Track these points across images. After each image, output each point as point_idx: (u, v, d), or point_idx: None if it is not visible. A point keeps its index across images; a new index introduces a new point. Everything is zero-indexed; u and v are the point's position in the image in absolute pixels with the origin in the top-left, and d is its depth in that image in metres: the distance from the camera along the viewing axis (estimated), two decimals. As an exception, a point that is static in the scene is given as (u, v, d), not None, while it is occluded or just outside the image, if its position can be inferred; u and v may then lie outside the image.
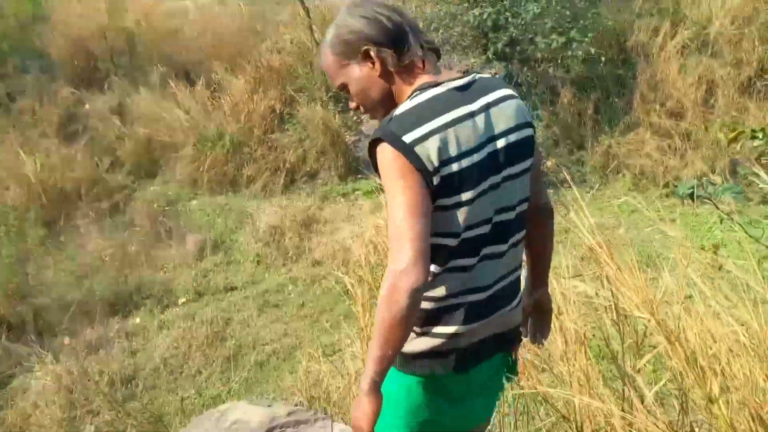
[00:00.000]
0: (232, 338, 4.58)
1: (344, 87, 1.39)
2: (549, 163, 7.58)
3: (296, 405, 2.33)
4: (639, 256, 5.49)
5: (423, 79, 1.33)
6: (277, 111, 7.60)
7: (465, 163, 1.25)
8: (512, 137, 1.34)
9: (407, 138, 1.22)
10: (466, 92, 1.32)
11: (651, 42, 7.75)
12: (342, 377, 3.91)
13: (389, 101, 1.37)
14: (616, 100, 7.66)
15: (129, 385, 4.09)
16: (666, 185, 6.78)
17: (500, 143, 1.31)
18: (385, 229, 6.24)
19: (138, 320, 4.93)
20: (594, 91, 7.60)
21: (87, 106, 7.86)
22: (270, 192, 7.10)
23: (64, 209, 6.52)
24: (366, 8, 1.37)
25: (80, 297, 5.05)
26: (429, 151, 1.21)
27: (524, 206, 1.40)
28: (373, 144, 1.28)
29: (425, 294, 1.24)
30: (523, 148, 1.37)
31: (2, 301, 4.89)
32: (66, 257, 5.71)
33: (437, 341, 1.33)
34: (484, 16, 7.20)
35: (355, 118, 7.98)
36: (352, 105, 1.44)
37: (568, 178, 7.34)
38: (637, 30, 7.85)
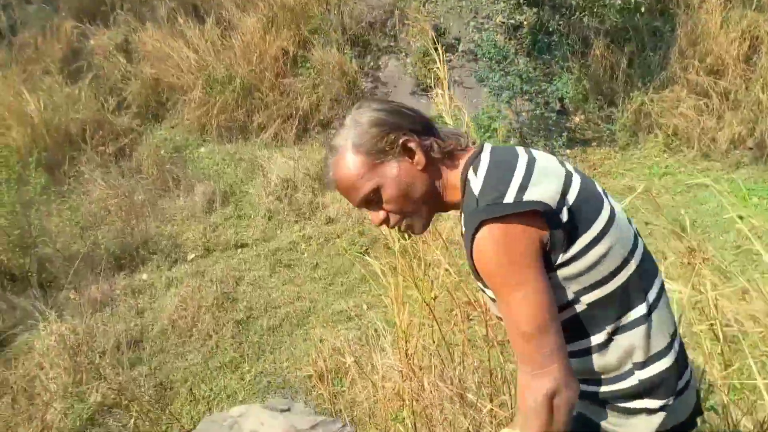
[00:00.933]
0: (243, 300, 4.39)
1: (375, 194, 1.14)
2: (577, 119, 7.19)
3: (316, 410, 2.12)
4: (673, 223, 5.23)
5: (466, 156, 1.16)
6: (290, 53, 7.18)
7: (577, 190, 1.10)
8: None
9: (509, 197, 1.03)
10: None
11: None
12: (362, 345, 3.74)
13: (436, 198, 1.16)
14: (652, 54, 7.17)
15: (136, 348, 3.93)
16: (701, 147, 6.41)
17: (576, 175, 1.15)
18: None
19: (145, 276, 4.74)
20: (629, 43, 7.10)
21: (92, 41, 7.45)
22: (281, 141, 6.78)
23: (68, 153, 6.25)
24: (378, 102, 1.19)
25: (85, 249, 4.85)
26: (541, 189, 1.05)
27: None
28: (472, 238, 1.05)
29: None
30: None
31: (5, 251, 4.70)
32: (70, 207, 5.49)
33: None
34: (516, -43, 6.65)
35: (372, 63, 7.56)
36: (380, 219, 1.18)
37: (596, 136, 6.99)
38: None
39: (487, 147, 1.16)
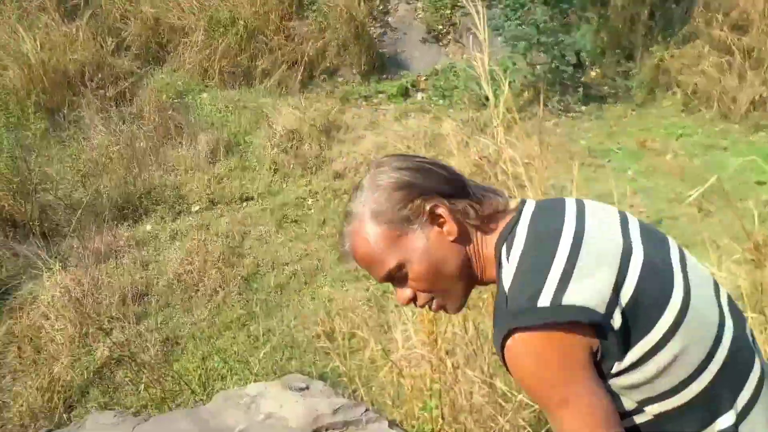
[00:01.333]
0: (249, 255, 4.31)
1: (399, 270, 0.95)
2: (593, 74, 6.96)
3: (340, 393, 2.07)
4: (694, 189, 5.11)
5: (505, 221, 0.96)
6: (296, -6, 6.86)
7: (637, 276, 0.85)
8: (638, 221, 0.99)
9: (545, 299, 0.82)
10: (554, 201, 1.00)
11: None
12: (369, 306, 3.70)
13: (471, 273, 0.97)
14: (675, 5, 6.87)
15: (141, 302, 3.88)
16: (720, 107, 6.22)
17: (638, 247, 0.89)
18: (412, 141, 5.81)
19: (149, 228, 4.65)
20: (654, -9, 6.80)
21: (88, -24, 7.10)
22: (286, 89, 6.57)
23: (67, 96, 6.05)
24: (401, 160, 0.98)
25: (87, 198, 4.74)
26: (587, 287, 0.82)
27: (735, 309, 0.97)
28: (503, 343, 0.86)
29: None
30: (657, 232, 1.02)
31: (6, 197, 4.59)
32: (71, 153, 5.34)
33: None
34: None
35: (381, 7, 7.24)
36: (407, 297, 0.99)
37: (612, 92, 6.78)
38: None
39: (528, 210, 0.96)
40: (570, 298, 0.81)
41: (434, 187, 0.95)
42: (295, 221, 4.71)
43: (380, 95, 6.56)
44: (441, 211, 0.94)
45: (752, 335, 0.97)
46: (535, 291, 0.82)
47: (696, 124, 6.20)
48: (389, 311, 3.72)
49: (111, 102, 6.17)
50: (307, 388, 1.86)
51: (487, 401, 1.95)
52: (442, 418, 1.95)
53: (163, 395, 2.96)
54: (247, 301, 3.92)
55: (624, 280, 0.84)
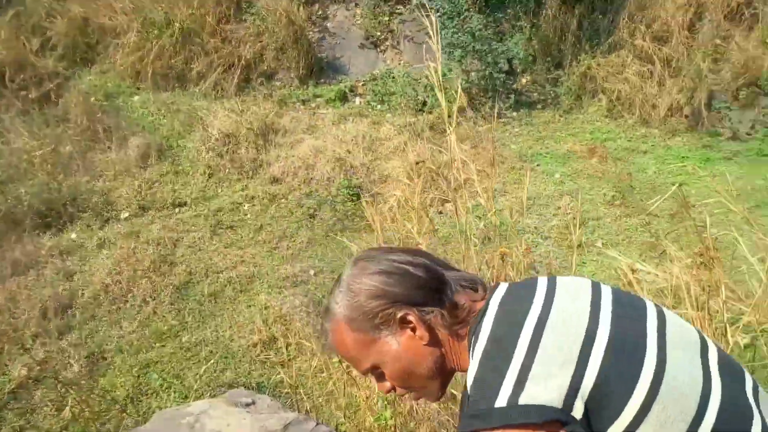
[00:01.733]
0: (182, 263, 4.20)
1: (375, 369, 1.01)
2: (524, 81, 7.17)
3: (286, 404, 2.03)
4: (615, 191, 5.35)
5: (474, 311, 0.98)
6: (234, -2, 6.76)
7: (601, 357, 0.84)
8: (612, 290, 0.97)
9: (503, 398, 0.82)
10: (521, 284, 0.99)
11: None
12: (307, 314, 3.67)
13: (443, 368, 1.00)
14: (601, 16, 7.17)
15: (64, 315, 3.71)
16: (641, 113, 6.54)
17: (604, 324, 0.89)
18: (351, 145, 5.82)
19: (74, 236, 4.46)
20: (579, 4, 7.07)
21: (8, -28, 6.75)
22: (222, 92, 6.45)
23: (-16, 97, 5.73)
24: (380, 261, 1.00)
25: (6, 206, 4.50)
26: (543, 386, 0.82)
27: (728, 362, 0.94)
28: None
29: None
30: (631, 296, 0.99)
31: None
32: (-12, 158, 5.06)
33: None
34: None
35: (320, 12, 7.22)
36: (386, 388, 1.03)
37: (541, 98, 7.00)
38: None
39: (496, 298, 0.95)
40: (526, 397, 0.81)
41: (408, 294, 0.97)
42: (231, 227, 4.63)
43: (318, 99, 6.54)
44: (412, 318, 0.96)
45: (755, 389, 0.92)
46: (493, 392, 0.83)
47: (619, 129, 6.49)
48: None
49: (34, 104, 5.89)
50: (254, 403, 1.82)
51: (442, 408, 1.97)
52: (395, 429, 1.95)
53: (89, 415, 2.83)
54: (179, 311, 3.82)
55: (584, 371, 0.83)
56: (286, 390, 2.68)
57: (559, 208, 5.04)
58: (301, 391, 2.47)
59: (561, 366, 0.83)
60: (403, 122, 6.08)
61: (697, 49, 6.70)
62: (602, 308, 0.91)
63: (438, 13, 6.59)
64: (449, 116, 6.95)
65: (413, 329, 0.97)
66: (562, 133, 6.50)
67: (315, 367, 2.50)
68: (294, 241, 4.50)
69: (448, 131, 1.96)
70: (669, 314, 0.96)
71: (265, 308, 3.83)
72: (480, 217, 5.09)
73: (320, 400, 2.50)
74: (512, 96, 6.80)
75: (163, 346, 3.50)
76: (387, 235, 2.80)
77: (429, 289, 0.98)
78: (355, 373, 2.13)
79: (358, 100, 6.68)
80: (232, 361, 3.41)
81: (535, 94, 7.10)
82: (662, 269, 1.95)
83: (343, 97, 6.62)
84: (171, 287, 3.95)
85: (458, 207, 2.86)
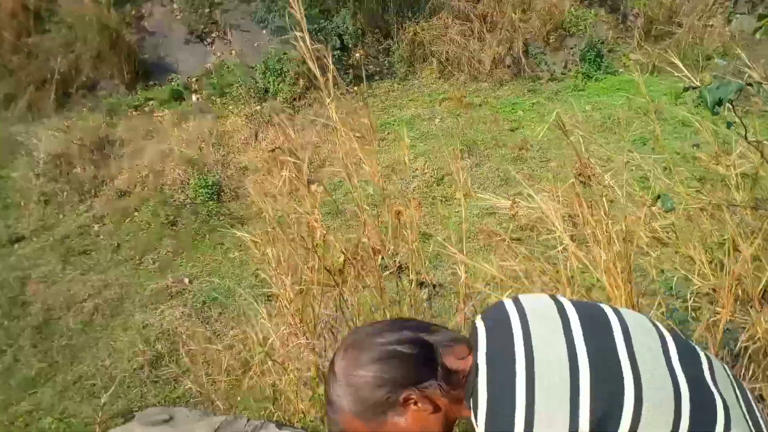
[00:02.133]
0: (36, 302, 3.81)
1: None
2: (357, 55, 7.32)
3: (210, 412, 1.94)
4: (462, 145, 5.70)
5: (465, 369, 1.03)
6: (31, 8, 6.11)
7: (587, 391, 0.93)
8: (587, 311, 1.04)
9: None
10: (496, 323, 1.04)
11: None
12: (192, 323, 3.53)
13: (450, 424, 1.05)
14: (416, -17, 7.51)
15: None
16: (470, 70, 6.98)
17: (584, 363, 0.96)
18: (199, 144, 5.57)
19: None
20: (394, -27, 7.34)
21: None
22: (40, 112, 5.85)
23: None
24: (369, 348, 1.02)
25: None
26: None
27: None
28: None
29: None
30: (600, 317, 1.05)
31: None
32: None
33: None
34: None
35: (134, 12, 6.77)
36: None
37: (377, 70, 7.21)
38: None
39: (481, 356, 1.01)
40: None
41: (405, 376, 1.00)
42: (84, 252, 4.26)
43: (152, 102, 6.17)
44: (414, 396, 1.00)
45: (710, 369, 1.01)
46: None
47: (453, 88, 6.88)
48: (213, 321, 3.61)
49: None
50: (171, 418, 1.72)
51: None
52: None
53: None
54: (45, 352, 3.47)
55: (578, 411, 0.91)
56: (196, 399, 2.57)
57: (417, 169, 5.28)
58: (214, 396, 2.39)
59: (558, 413, 0.91)
60: (248, 112, 5.95)
61: (506, 2, 7.26)
62: (573, 330, 0.99)
63: (261, -2, 6.49)
64: (295, 99, 6.87)
65: (416, 404, 1.01)
66: (403, 99, 6.77)
67: (225, 369, 2.43)
68: (159, 253, 4.27)
69: (327, 102, 1.96)
70: (629, 318, 1.03)
71: (144, 327, 3.62)
72: (349, 192, 5.18)
73: (238, 399, 2.43)
74: (350, 71, 6.91)
75: (34, 392, 3.18)
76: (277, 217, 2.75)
77: (422, 363, 1.02)
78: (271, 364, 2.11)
79: (195, 97, 6.40)
80: (120, 389, 3.19)
81: (371, 67, 7.28)
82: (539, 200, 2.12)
83: (178, 97, 6.31)
84: (29, 329, 3.58)
85: (325, 186, 2.89)
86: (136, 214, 4.61)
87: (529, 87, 6.81)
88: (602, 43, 7.10)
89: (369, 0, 7.24)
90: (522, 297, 1.08)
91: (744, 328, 1.71)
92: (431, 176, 5.21)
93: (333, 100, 1.99)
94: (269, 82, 6.32)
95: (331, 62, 2.01)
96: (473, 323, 1.09)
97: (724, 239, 2.02)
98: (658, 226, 2.26)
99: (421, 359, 1.02)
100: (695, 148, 4.92)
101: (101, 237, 4.43)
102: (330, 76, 1.95)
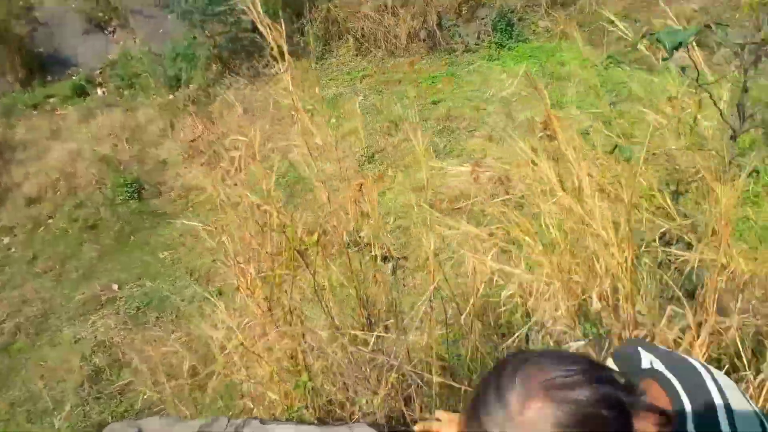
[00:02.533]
0: (-54, 330, 3.45)
1: None
2: (271, 36, 7.07)
3: (179, 417, 1.79)
4: (387, 120, 5.66)
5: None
6: None
7: None
8: None
9: None
10: None
11: None
12: (128, 330, 3.33)
13: None
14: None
15: None
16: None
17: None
18: (111, 140, 5.18)
19: None
20: (300, -50, 7.12)
21: None
22: None
23: None
24: (562, 405, 0.79)
25: None
26: None
27: None
28: None
29: None
30: None
31: None
32: None
33: None
34: None
35: (22, 2, 6.18)
36: None
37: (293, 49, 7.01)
38: None
39: (683, 397, 0.92)
40: None
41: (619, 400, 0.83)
42: (-4, 268, 3.90)
43: (52, 99, 5.69)
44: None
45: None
46: None
47: (371, 65, 6.81)
48: (152, 326, 3.41)
49: None
50: (140, 430, 1.57)
51: (352, 356, 1.88)
52: (312, 389, 1.85)
53: None
54: (-35, 384, 3.15)
55: None
56: (157, 407, 2.41)
57: (349, 148, 5.19)
58: (176, 401, 2.23)
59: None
60: (161, 102, 5.62)
61: (416, -23, 7.23)
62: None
63: (163, -20, 6.11)
64: (209, 85, 6.55)
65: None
66: (324, 79, 6.62)
67: (186, 371, 2.27)
68: (80, 260, 3.97)
69: (281, 70, 1.84)
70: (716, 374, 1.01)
71: (76, 342, 3.36)
72: (282, 177, 5.02)
73: (207, 401, 2.30)
74: (265, 53, 6.67)
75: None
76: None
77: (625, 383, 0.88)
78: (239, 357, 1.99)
79: (100, 90, 5.96)
80: (60, 413, 2.95)
81: (286, 47, 7.06)
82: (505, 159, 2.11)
83: (81, 92, 5.85)
84: (-57, 362, 3.23)
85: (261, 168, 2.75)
86: (50, 221, 4.26)
87: (446, 60, 6.85)
88: (512, 12, 7.23)
89: (278, -22, 7.01)
90: (690, 358, 1.00)
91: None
92: (362, 155, 5.15)
93: (288, 71, 1.88)
94: (180, 69, 5.98)
95: (283, 29, 1.88)
96: (657, 372, 0.98)
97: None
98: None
99: (617, 427, 0.86)
100: (612, 106, 5.14)
101: (13, 250, 4.06)
102: (283, 44, 1.83)
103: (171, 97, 5.84)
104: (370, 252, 2.03)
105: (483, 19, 7.29)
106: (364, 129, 5.59)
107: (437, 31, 7.06)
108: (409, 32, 7.04)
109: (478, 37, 7.20)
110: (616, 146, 1.83)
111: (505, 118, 5.61)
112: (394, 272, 2.10)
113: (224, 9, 6.21)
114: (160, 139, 5.23)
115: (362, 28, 6.92)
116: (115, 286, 3.71)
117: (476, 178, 2.18)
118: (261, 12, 6.75)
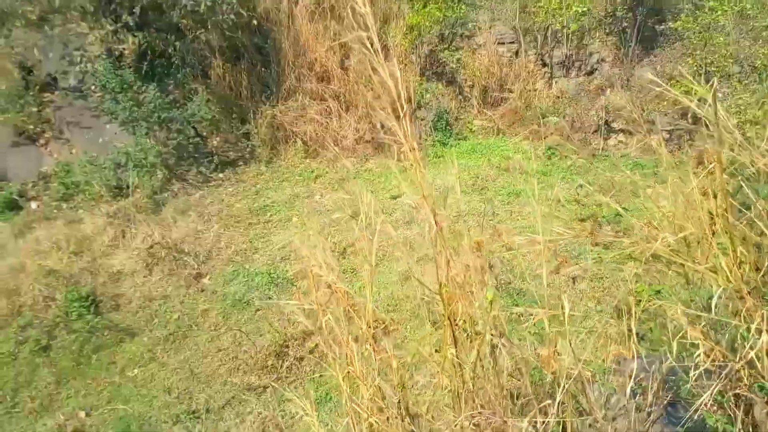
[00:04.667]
0: None
1: None
2: (216, 142, 6.96)
3: None
4: (350, 216, 5.56)
5: None
6: None
7: None
8: None
9: None
10: None
11: (278, 8, 7.78)
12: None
13: None
14: (265, 69, 7.48)
15: None
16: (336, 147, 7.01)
17: None
18: (57, 254, 4.69)
19: None
20: (243, 61, 7.24)
21: None
22: None
23: None
24: None
25: None
26: None
27: None
28: None
29: None
30: None
31: None
32: None
33: None
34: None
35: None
36: None
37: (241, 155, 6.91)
38: (261, -4, 7.77)
39: None
40: None
41: None
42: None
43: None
44: None
45: None
46: None
47: (321, 167, 6.82)
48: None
49: None
50: None
51: None
52: None
53: None
54: None
55: None
56: None
57: (316, 247, 5.00)
58: None
59: None
60: (108, 211, 5.24)
61: (353, 81, 7.52)
62: None
63: (105, 90, 5.92)
64: (155, 192, 6.23)
65: None
66: (275, 182, 6.53)
67: None
68: (36, 388, 3.41)
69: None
70: None
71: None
72: (246, 279, 4.71)
73: None
74: (213, 158, 6.54)
75: None
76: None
77: None
78: None
79: (35, 204, 5.49)
80: None
81: (231, 153, 6.98)
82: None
83: (13, 206, 5.36)
84: None
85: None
86: (3, 345, 3.69)
87: (392, 158, 7.00)
88: (448, 112, 7.62)
89: (220, 88, 7.02)
90: None
91: None
92: (333, 250, 4.98)
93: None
94: (125, 178, 5.66)
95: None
96: None
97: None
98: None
99: None
100: (579, 188, 5.37)
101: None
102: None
103: (117, 205, 5.48)
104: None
105: (423, 119, 7.63)
106: (329, 226, 5.47)
107: (382, 132, 7.27)
108: (356, 134, 7.20)
109: (420, 137, 7.48)
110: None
111: (464, 208, 5.72)
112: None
113: (168, 116, 6.08)
114: (111, 249, 4.83)
115: (309, 131, 6.99)
116: (82, 414, 3.19)
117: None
118: (206, 119, 6.69)
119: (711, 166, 1.58)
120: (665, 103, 6.23)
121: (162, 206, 5.67)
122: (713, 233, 1.82)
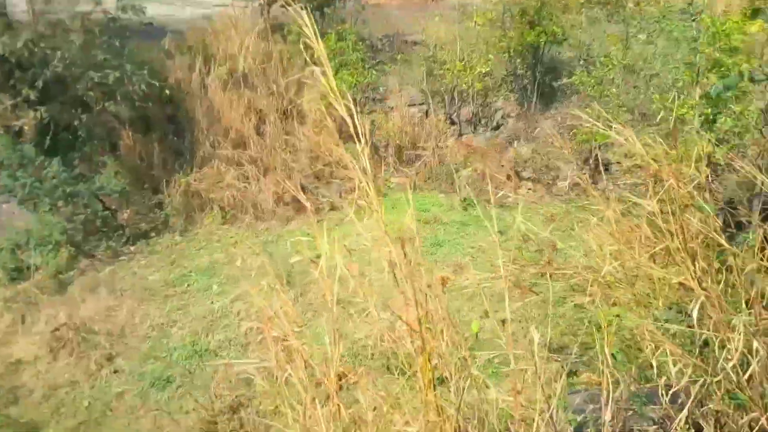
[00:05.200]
0: None
1: None
2: (126, 215, 6.67)
3: None
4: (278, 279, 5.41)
5: None
6: None
7: None
8: None
9: None
10: None
11: (190, 78, 7.76)
12: None
13: None
14: (176, 138, 7.36)
15: None
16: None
17: None
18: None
19: None
20: (154, 131, 7.09)
21: None
22: None
23: None
24: None
25: None
26: None
27: None
28: None
29: None
30: None
31: None
32: None
33: None
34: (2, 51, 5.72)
35: None
36: None
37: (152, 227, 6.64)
38: (173, 68, 7.72)
39: None
40: None
41: None
42: None
43: None
44: None
45: None
46: None
47: (241, 231, 6.66)
48: None
49: None
50: None
51: None
52: None
53: None
54: None
55: None
56: None
57: (239, 313, 4.84)
58: None
59: None
60: (5, 296, 4.84)
61: (269, 146, 7.53)
62: None
63: (2, 167, 5.59)
64: (60, 272, 5.90)
65: None
66: (191, 250, 6.30)
67: None
68: None
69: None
70: None
71: None
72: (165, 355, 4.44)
73: None
74: (123, 231, 6.25)
75: None
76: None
77: None
78: None
79: None
80: None
81: (144, 224, 6.70)
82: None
83: None
84: None
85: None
86: None
87: (314, 218, 6.96)
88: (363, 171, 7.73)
89: (129, 159, 6.81)
90: None
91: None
92: (256, 318, 4.80)
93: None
94: (29, 258, 5.29)
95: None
96: None
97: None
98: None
99: None
100: (500, 234, 5.50)
101: None
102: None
103: (15, 289, 5.08)
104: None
105: (342, 179, 7.70)
106: (251, 292, 5.28)
107: (302, 194, 7.23)
108: (275, 197, 7.12)
109: (340, 196, 7.52)
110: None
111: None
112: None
113: (75, 190, 5.80)
114: (9, 336, 4.44)
115: (227, 197, 6.86)
116: None
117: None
118: (116, 191, 6.46)
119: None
120: (567, 152, 6.63)
121: (68, 285, 5.31)
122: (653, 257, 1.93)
